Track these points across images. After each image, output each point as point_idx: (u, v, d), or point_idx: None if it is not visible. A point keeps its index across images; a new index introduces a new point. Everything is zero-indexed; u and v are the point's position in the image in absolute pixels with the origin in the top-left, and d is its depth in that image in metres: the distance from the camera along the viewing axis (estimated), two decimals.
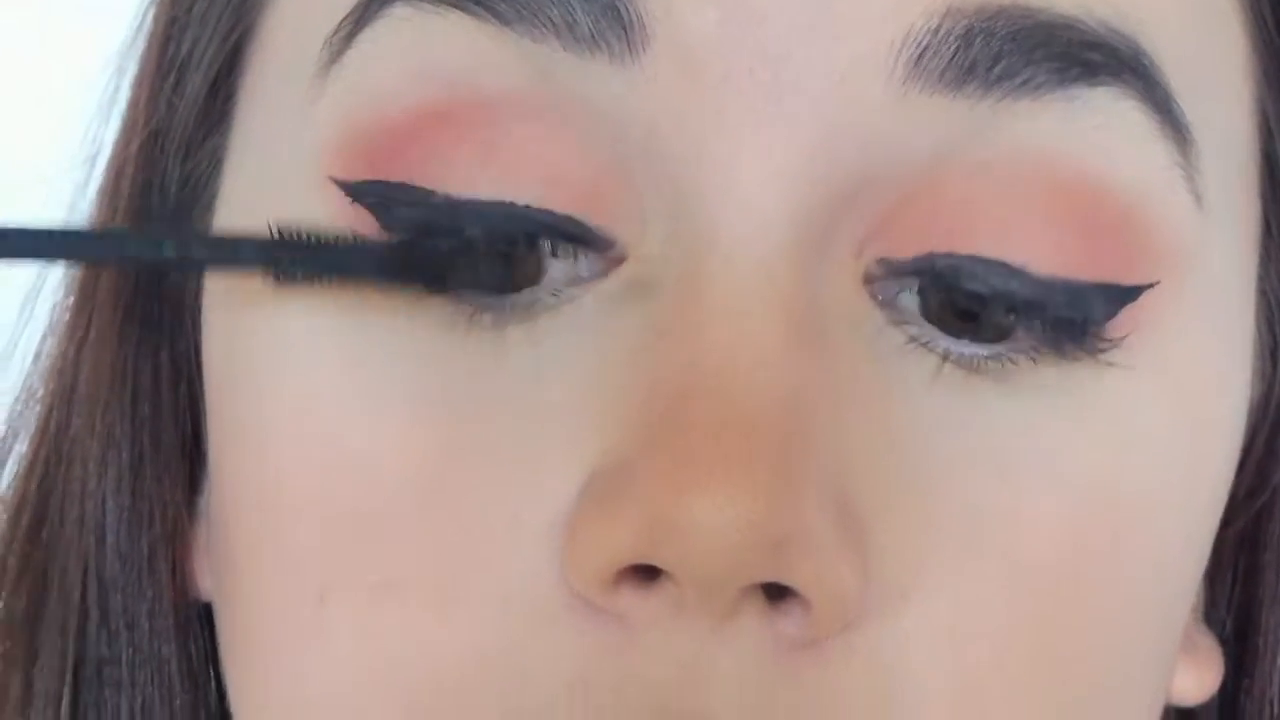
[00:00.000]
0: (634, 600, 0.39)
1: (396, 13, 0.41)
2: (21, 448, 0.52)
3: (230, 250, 0.42)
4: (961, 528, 0.40)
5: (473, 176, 0.41)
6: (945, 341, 0.41)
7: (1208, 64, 0.43)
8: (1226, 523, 0.49)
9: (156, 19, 0.50)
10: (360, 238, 0.41)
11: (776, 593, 0.39)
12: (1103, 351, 0.41)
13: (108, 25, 0.52)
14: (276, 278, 0.41)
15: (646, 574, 0.39)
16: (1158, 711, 0.46)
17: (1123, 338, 0.42)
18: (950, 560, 0.40)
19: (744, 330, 0.39)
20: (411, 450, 0.41)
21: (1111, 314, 0.41)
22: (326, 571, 0.41)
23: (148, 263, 0.44)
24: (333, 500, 0.41)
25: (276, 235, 0.41)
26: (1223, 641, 0.50)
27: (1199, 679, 0.48)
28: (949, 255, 0.41)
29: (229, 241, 0.42)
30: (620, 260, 0.41)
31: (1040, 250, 0.41)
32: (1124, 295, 0.41)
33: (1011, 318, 0.41)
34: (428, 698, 0.40)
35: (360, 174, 0.41)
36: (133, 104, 0.50)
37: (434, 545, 0.40)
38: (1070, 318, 0.41)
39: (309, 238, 0.41)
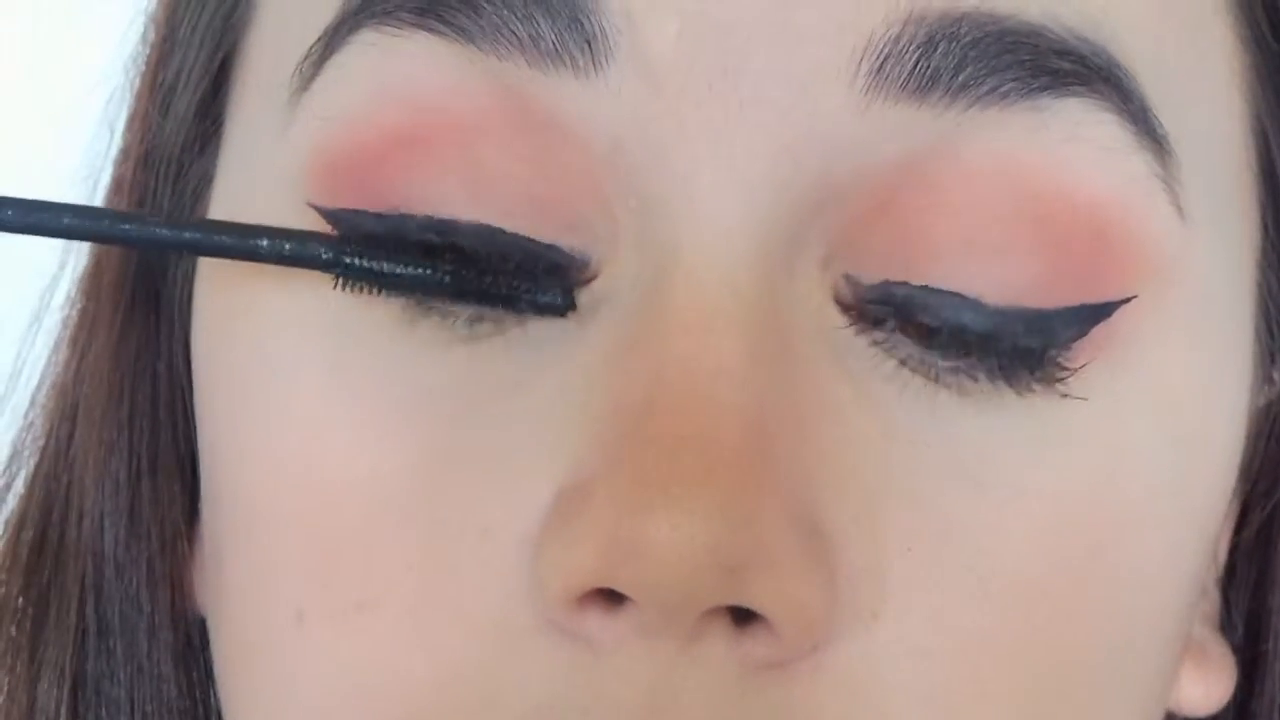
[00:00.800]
0: (599, 623, 0.39)
1: (363, 38, 0.41)
2: (28, 471, 0.52)
3: (301, 248, 0.42)
4: (931, 544, 0.40)
5: (443, 195, 0.41)
6: (909, 347, 0.41)
7: (1190, 73, 0.43)
8: (1240, 529, 0.48)
9: (145, 40, 0.50)
10: (429, 246, 0.41)
11: (743, 614, 0.39)
12: (1060, 381, 0.41)
13: (114, 40, 0.52)
14: (342, 282, 0.41)
15: (612, 596, 0.38)
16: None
17: (1083, 366, 0.41)
18: (920, 577, 0.40)
19: (705, 344, 0.39)
20: (386, 465, 0.41)
21: (1081, 333, 0.41)
22: (303, 590, 0.41)
23: (215, 251, 0.43)
24: (306, 514, 0.41)
25: (345, 240, 0.41)
26: (1235, 649, 0.49)
27: (1207, 688, 0.48)
28: (905, 285, 0.40)
29: (300, 235, 0.42)
30: (593, 277, 0.41)
31: (1001, 275, 0.40)
32: (1095, 313, 0.41)
33: (964, 352, 0.40)
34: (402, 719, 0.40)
35: (336, 200, 0.41)
36: (129, 123, 0.51)
37: (407, 562, 0.40)
38: (1029, 346, 0.40)
39: (376, 245, 0.41)
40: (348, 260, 0.41)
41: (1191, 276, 0.42)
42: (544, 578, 0.39)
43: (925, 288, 0.40)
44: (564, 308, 0.41)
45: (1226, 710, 0.49)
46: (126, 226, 0.43)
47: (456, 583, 0.40)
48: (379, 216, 0.41)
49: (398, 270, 0.41)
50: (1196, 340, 0.43)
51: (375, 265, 0.41)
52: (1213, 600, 0.50)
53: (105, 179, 0.52)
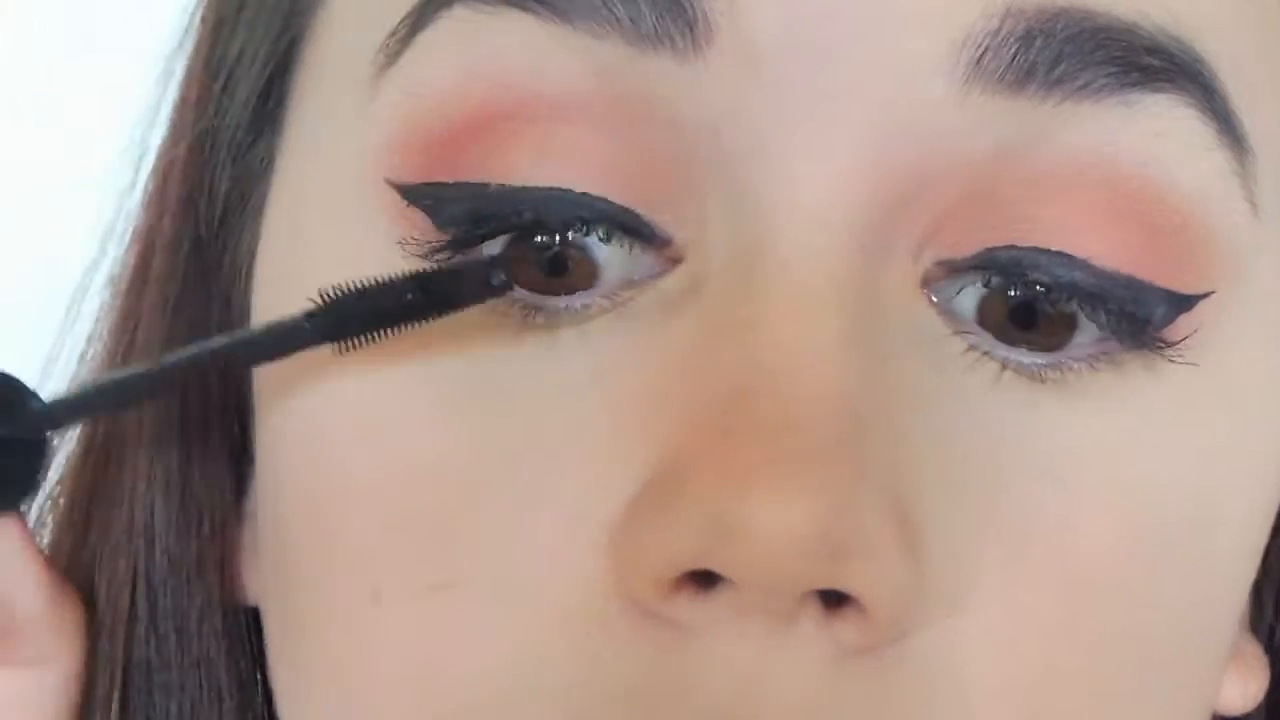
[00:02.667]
0: (692, 606, 0.39)
1: (455, 14, 0.41)
2: (74, 456, 0.52)
3: (283, 337, 0.41)
4: (1016, 535, 0.40)
5: (530, 174, 0.41)
6: (1004, 350, 0.41)
7: (1265, 72, 0.43)
8: (1275, 531, 0.49)
9: (204, 22, 0.50)
10: (393, 278, 0.41)
11: (834, 599, 0.39)
12: (1162, 350, 0.41)
13: (155, 26, 0.52)
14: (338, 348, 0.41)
15: (704, 580, 0.38)
16: (1206, 718, 0.46)
17: (1181, 340, 0.41)
18: (1005, 567, 0.40)
19: (803, 330, 0.39)
20: (467, 448, 0.41)
21: (1170, 319, 0.41)
22: (381, 571, 0.41)
23: (206, 370, 0.44)
24: (388, 498, 0.41)
25: (320, 302, 0.41)
26: (1269, 650, 0.50)
27: (1244, 687, 0.48)
28: (1010, 247, 0.40)
29: (278, 328, 0.41)
30: (678, 259, 0.41)
31: (1102, 247, 0.41)
32: (1181, 302, 0.41)
33: (1075, 310, 0.41)
34: (482, 701, 0.40)
35: (416, 175, 0.41)
36: (180, 106, 0.50)
37: (490, 546, 0.40)
38: (1134, 313, 0.41)
39: (349, 294, 0.41)
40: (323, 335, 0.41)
41: (1261, 274, 0.43)
42: (637, 559, 0.39)
43: (1034, 248, 0.40)
44: (497, 288, 0.40)
45: (1257, 710, 0.49)
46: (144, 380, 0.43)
47: (538, 566, 0.40)
48: (455, 186, 0.41)
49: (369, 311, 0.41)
50: (1264, 338, 0.43)
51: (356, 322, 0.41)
52: (1246, 601, 0.50)
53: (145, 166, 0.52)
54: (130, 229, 0.52)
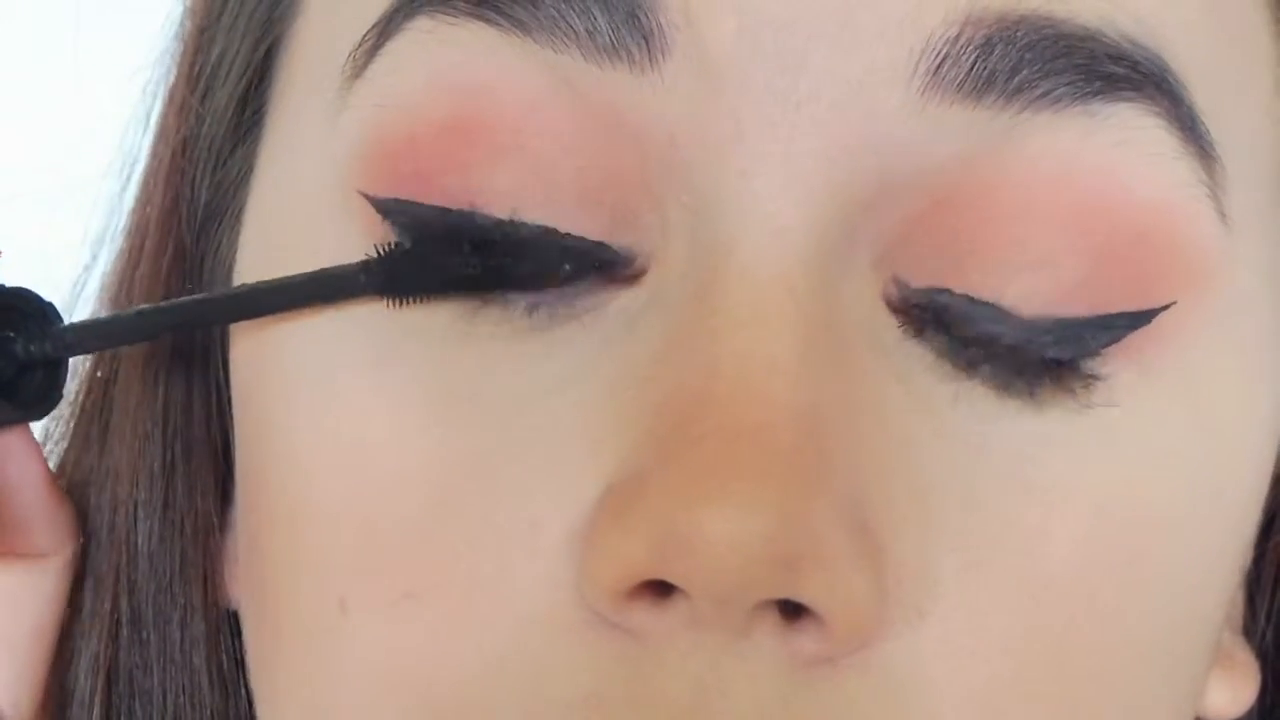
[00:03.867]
0: (648, 616, 0.39)
1: (419, 25, 0.41)
2: (61, 461, 0.52)
3: (336, 283, 0.42)
4: (980, 544, 0.40)
5: (493, 184, 0.41)
6: (962, 353, 0.41)
7: (1235, 81, 0.43)
8: (1266, 536, 0.48)
9: (187, 29, 0.50)
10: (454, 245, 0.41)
11: (792, 609, 0.39)
12: (1086, 390, 0.41)
13: (146, 31, 0.52)
14: (390, 303, 0.42)
15: (661, 589, 0.38)
16: None
17: (1113, 375, 0.41)
18: (969, 577, 0.40)
19: (759, 340, 0.39)
20: (435, 459, 0.41)
21: (1116, 339, 0.41)
22: (348, 580, 0.41)
23: (253, 311, 0.44)
24: (355, 509, 0.41)
25: (378, 255, 0.42)
26: (1261, 655, 0.50)
27: (1234, 693, 0.48)
28: (947, 292, 0.40)
29: (332, 275, 0.42)
30: (643, 272, 0.41)
31: (1046, 277, 0.40)
32: (1134, 320, 0.41)
33: (995, 360, 0.41)
34: (445, 709, 0.40)
35: (387, 188, 0.42)
36: (164, 113, 0.51)
37: (455, 555, 0.40)
38: (1057, 358, 0.41)
39: (404, 257, 0.41)
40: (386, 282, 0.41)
41: (1232, 283, 0.43)
42: (594, 569, 0.39)
43: (967, 297, 0.40)
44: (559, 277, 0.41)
45: (1250, 714, 0.49)
46: (172, 314, 0.44)
47: (504, 575, 0.40)
48: (423, 207, 0.41)
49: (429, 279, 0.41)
50: (1234, 347, 0.43)
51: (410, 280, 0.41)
52: (1238, 606, 0.50)
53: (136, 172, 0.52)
54: (120, 235, 0.52)
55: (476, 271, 0.41)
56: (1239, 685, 0.48)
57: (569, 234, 0.41)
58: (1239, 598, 0.50)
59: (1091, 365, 0.41)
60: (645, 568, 0.38)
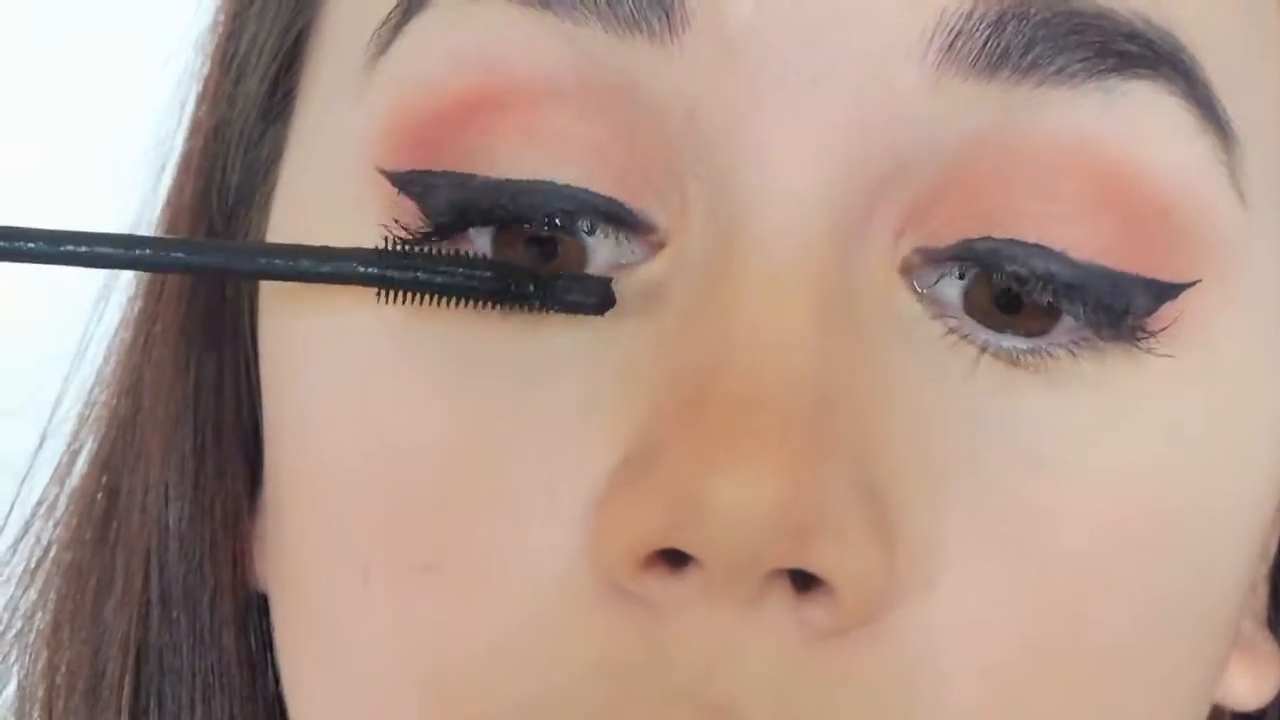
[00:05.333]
0: (661, 584, 0.39)
1: (442, 2, 0.42)
2: (93, 443, 0.53)
3: (338, 265, 0.42)
4: (993, 518, 0.40)
5: (515, 159, 0.41)
6: (985, 334, 0.41)
7: (1253, 60, 0.43)
8: None
9: (221, 15, 0.51)
10: (466, 256, 0.42)
11: (804, 580, 0.39)
12: (1140, 340, 0.41)
13: (183, 22, 0.53)
14: (381, 294, 0.42)
15: (675, 558, 0.39)
16: (1201, 710, 0.45)
17: (1162, 329, 0.41)
18: (980, 551, 0.40)
19: (775, 311, 0.39)
20: (451, 429, 0.41)
21: (1152, 308, 0.41)
22: (369, 550, 0.42)
23: (249, 274, 0.45)
24: (377, 480, 0.42)
25: (381, 248, 0.42)
26: None
27: (1256, 682, 0.48)
28: (987, 239, 0.40)
29: (336, 254, 0.42)
30: (662, 244, 0.41)
31: (1079, 237, 0.40)
32: (1164, 291, 0.41)
33: (1052, 301, 0.41)
34: (460, 678, 0.41)
35: (407, 163, 0.42)
36: (199, 100, 0.51)
37: (476, 526, 0.41)
38: (1111, 305, 0.41)
39: (414, 255, 0.42)
40: (388, 275, 0.42)
41: (1252, 263, 0.43)
42: (607, 538, 0.39)
43: (1011, 240, 0.40)
44: (601, 306, 0.41)
45: (1274, 706, 0.49)
46: (173, 254, 0.43)
47: (522, 544, 0.40)
48: (442, 175, 0.42)
49: (436, 279, 0.41)
50: (1256, 328, 0.43)
51: (414, 276, 0.41)
52: (1261, 597, 0.50)
53: (173, 159, 0.53)
54: (155, 224, 0.53)
55: (481, 285, 0.41)
56: (1262, 675, 0.48)
57: (574, 185, 0.41)
58: (1262, 590, 0.50)
59: (1142, 322, 0.41)
60: (658, 535, 0.38)
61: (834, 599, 0.39)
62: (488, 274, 0.41)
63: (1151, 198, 0.41)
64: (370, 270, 0.42)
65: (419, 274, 0.41)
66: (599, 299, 0.41)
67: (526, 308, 0.41)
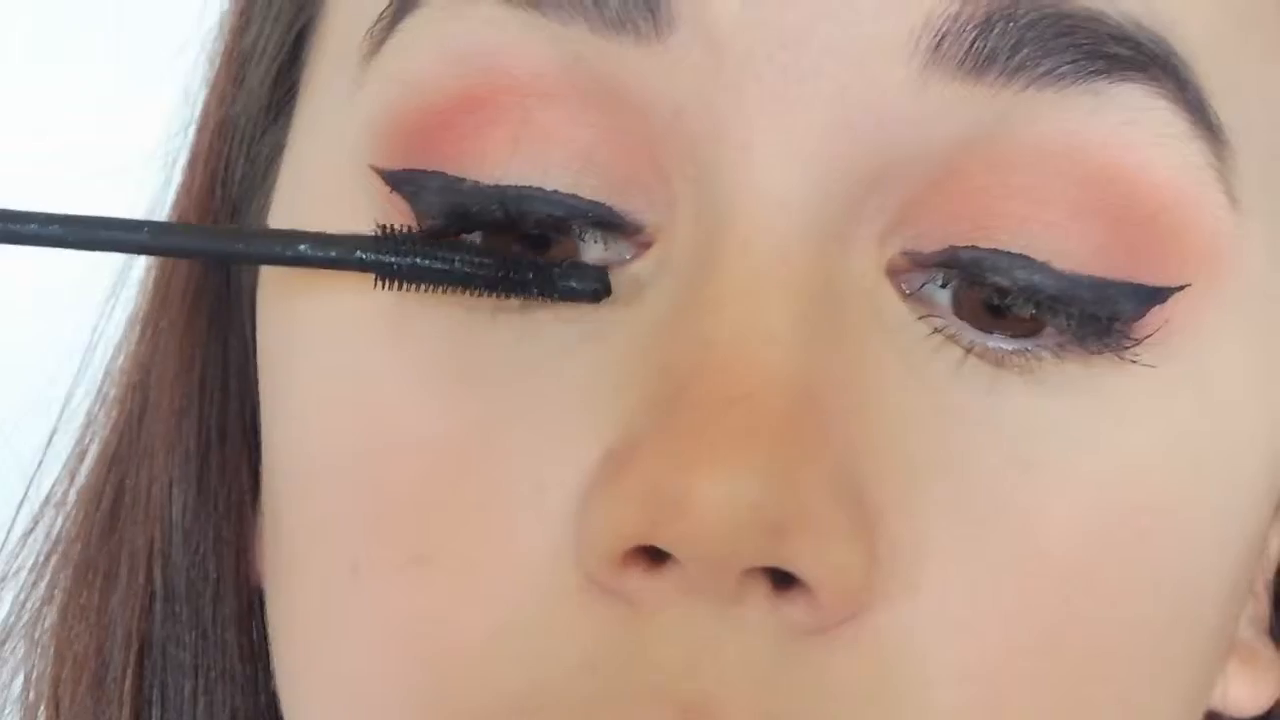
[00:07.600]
0: (642, 582, 0.39)
1: (434, 1, 0.42)
2: (101, 439, 0.53)
3: (337, 250, 0.42)
4: (977, 518, 0.40)
5: (504, 161, 0.41)
6: (972, 335, 0.41)
7: (1246, 64, 0.43)
8: None
9: (229, 14, 0.51)
10: (462, 243, 0.42)
11: (784, 578, 0.39)
12: (1127, 349, 0.41)
13: (189, 16, 0.54)
14: (379, 280, 0.42)
15: (656, 556, 0.39)
16: (1191, 715, 0.45)
17: (1148, 336, 0.41)
18: (963, 552, 0.40)
19: (756, 310, 0.39)
20: (444, 425, 0.41)
21: (1139, 314, 0.41)
22: (360, 544, 0.42)
23: (248, 258, 0.45)
24: (368, 474, 0.42)
25: (380, 234, 0.42)
26: None
27: (1255, 689, 0.47)
28: (972, 249, 0.40)
29: (336, 240, 0.43)
30: (650, 243, 0.42)
31: (1065, 244, 0.40)
32: (1152, 296, 0.41)
33: (1035, 312, 0.41)
34: (451, 671, 0.41)
35: (399, 162, 0.42)
36: (206, 97, 0.52)
37: (464, 520, 0.41)
38: (1096, 314, 0.41)
39: (414, 241, 0.42)
40: (387, 261, 0.42)
41: (1245, 268, 0.43)
42: (588, 534, 0.39)
43: (995, 250, 0.40)
44: (598, 294, 0.41)
45: (1274, 714, 0.49)
46: (171, 237, 0.44)
47: (510, 539, 0.40)
48: (434, 175, 0.42)
49: (435, 266, 0.42)
50: (1249, 333, 0.43)
51: (413, 263, 0.42)
52: (1262, 604, 0.50)
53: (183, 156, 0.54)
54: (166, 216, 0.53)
55: (479, 272, 0.42)
56: (1261, 681, 0.48)
57: (562, 192, 0.41)
58: (1264, 597, 0.50)
59: (1128, 329, 0.41)
60: (637, 532, 0.38)
61: (812, 598, 0.39)
62: (487, 261, 0.42)
63: (1140, 201, 0.41)
64: (369, 256, 0.42)
65: (418, 260, 0.42)
66: (597, 286, 0.41)
67: (525, 295, 0.42)
